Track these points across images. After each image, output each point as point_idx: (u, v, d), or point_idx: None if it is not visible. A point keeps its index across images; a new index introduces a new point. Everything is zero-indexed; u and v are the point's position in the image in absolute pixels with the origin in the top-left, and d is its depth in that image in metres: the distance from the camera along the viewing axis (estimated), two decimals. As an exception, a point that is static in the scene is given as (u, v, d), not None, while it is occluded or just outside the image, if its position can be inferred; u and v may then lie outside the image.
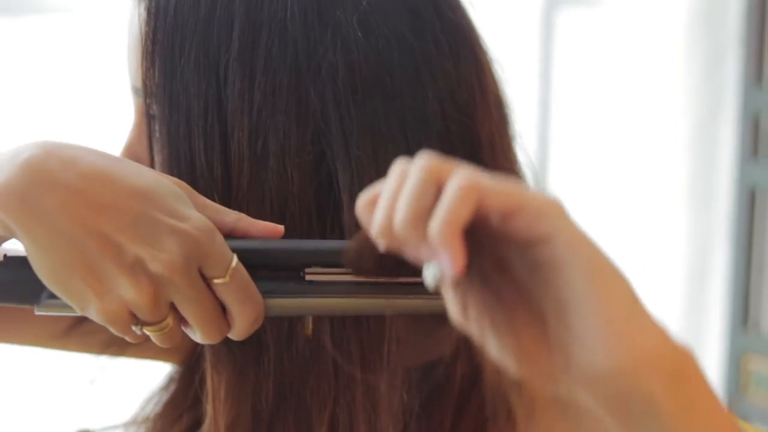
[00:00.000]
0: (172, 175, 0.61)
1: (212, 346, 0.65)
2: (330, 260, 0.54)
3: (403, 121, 0.60)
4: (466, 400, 0.66)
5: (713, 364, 2.18)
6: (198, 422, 0.71)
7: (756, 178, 2.11)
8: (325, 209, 0.58)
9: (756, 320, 2.18)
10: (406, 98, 0.60)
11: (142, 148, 0.66)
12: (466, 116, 0.63)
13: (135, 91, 0.66)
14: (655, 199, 2.12)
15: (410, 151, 0.57)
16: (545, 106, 2.02)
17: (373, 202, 0.43)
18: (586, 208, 1.89)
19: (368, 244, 0.44)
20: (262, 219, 0.59)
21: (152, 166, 0.63)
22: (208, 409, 0.67)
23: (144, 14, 0.63)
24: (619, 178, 2.05)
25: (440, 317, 0.47)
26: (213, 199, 0.60)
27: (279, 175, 0.59)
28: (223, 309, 0.56)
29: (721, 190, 2.15)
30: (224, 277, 0.54)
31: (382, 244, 0.42)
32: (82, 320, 0.78)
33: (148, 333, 0.55)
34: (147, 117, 0.64)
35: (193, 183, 0.60)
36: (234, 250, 0.54)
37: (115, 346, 0.78)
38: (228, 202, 0.60)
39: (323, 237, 0.58)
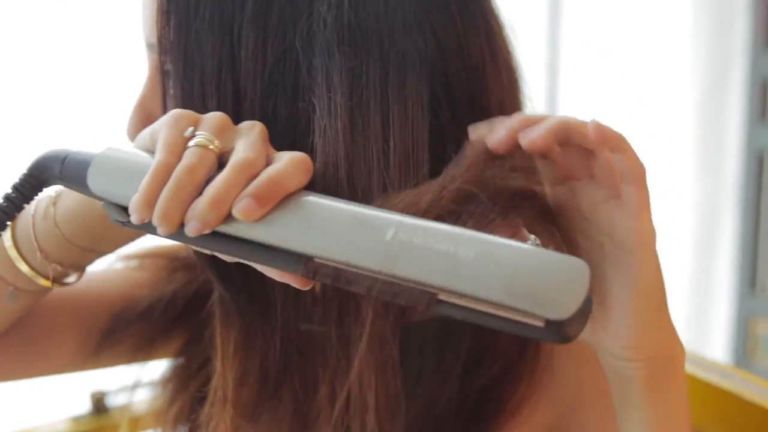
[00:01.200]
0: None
1: (222, 304, 0.66)
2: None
3: (391, 75, 0.59)
4: (479, 358, 0.67)
5: (721, 329, 2.19)
6: (208, 380, 0.72)
7: (764, 142, 2.11)
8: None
9: (764, 284, 2.18)
10: (400, 54, 0.59)
11: (155, 104, 0.67)
12: (475, 79, 0.64)
13: (149, 46, 0.67)
14: (663, 163, 2.12)
15: (396, 108, 0.58)
16: (553, 70, 2.02)
17: None
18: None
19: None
20: None
21: None
22: (218, 365, 0.68)
23: None
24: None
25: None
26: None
27: (288, 139, 0.59)
28: None
29: (730, 153, 2.15)
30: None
31: None
32: (110, 332, 0.80)
33: (198, 141, 0.53)
34: (161, 73, 0.63)
35: None
36: None
37: (143, 349, 0.80)
38: None
39: None
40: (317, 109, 0.58)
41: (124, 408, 0.96)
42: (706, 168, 2.14)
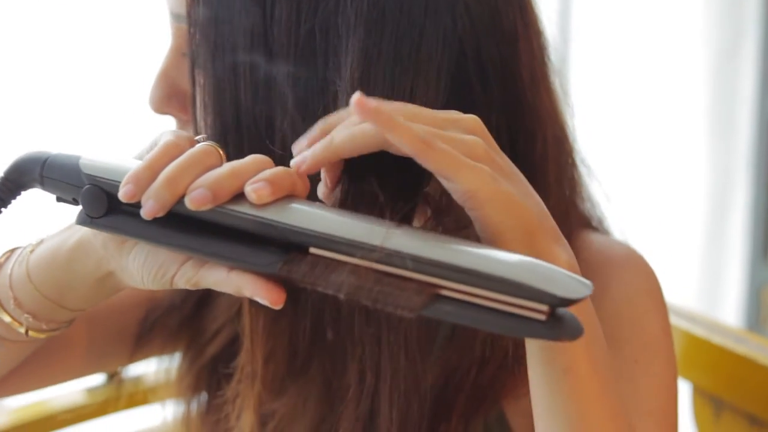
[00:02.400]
0: (215, 108, 0.61)
1: None
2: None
3: (403, 55, 0.59)
4: (491, 351, 0.68)
5: (733, 296, 2.19)
6: (233, 355, 0.73)
7: (777, 109, 2.10)
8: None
9: (776, 252, 2.19)
10: (417, 33, 0.59)
11: (179, 74, 0.67)
12: (508, 52, 0.64)
13: (175, 16, 0.66)
14: (675, 132, 2.12)
15: (412, 79, 0.59)
16: (564, 41, 2.01)
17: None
18: (606, 142, 1.88)
19: None
20: None
21: (193, 93, 0.63)
22: (246, 342, 0.68)
23: None
24: (639, 110, 2.04)
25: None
26: (255, 138, 0.61)
27: (320, 116, 0.58)
28: None
29: (742, 122, 2.14)
30: None
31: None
32: (141, 337, 0.81)
33: (208, 142, 0.54)
34: (189, 45, 0.63)
35: (237, 118, 0.61)
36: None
37: (170, 341, 0.81)
38: (271, 138, 0.60)
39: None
40: (337, 85, 0.59)
41: (139, 379, 0.96)
42: (719, 137, 2.14)
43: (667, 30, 2.08)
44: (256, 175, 0.51)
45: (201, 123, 0.63)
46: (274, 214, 0.50)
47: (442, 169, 0.48)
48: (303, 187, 0.52)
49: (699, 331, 0.90)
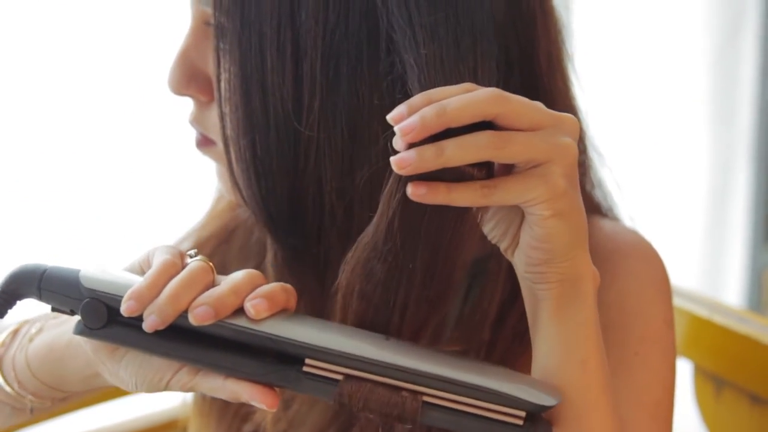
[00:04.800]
0: (241, 91, 0.61)
1: (276, 264, 0.67)
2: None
3: (466, 26, 0.59)
4: (506, 312, 0.69)
5: (735, 280, 2.20)
6: None
7: (778, 94, 2.11)
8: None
9: (778, 236, 2.19)
10: (471, 5, 0.59)
11: (198, 54, 0.66)
12: (526, 33, 0.64)
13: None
14: (676, 116, 2.12)
15: (474, 58, 0.59)
16: (566, 26, 2.01)
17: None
18: (607, 127, 1.89)
19: None
20: (330, 143, 0.60)
21: (218, 77, 0.63)
22: None
23: None
24: (640, 95, 2.05)
25: None
26: (282, 118, 0.60)
27: (350, 98, 0.59)
28: None
29: (743, 106, 2.14)
30: None
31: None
32: None
33: (201, 259, 0.57)
34: (215, 28, 0.63)
35: (264, 100, 0.61)
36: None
37: None
38: (299, 121, 0.60)
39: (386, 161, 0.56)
40: (397, 67, 0.58)
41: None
42: (720, 122, 2.14)
43: (668, 16, 2.08)
44: (252, 290, 0.55)
45: (226, 106, 0.63)
46: (270, 328, 0.54)
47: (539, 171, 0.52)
48: (295, 302, 0.56)
49: (701, 311, 0.91)
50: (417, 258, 0.55)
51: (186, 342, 0.55)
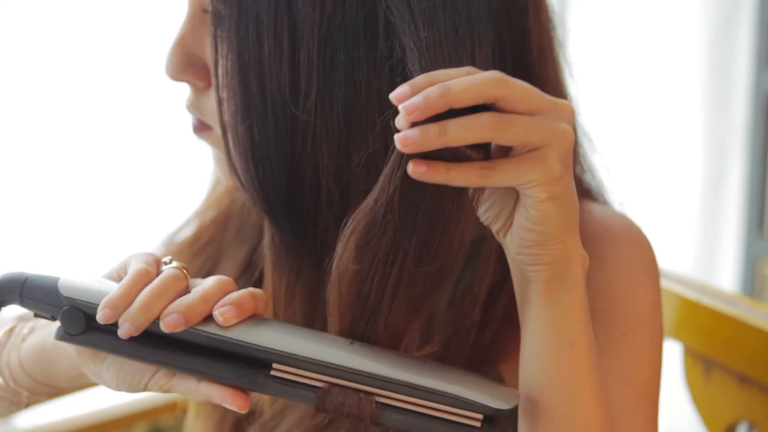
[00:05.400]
0: (239, 77, 0.62)
1: (273, 246, 0.69)
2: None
3: (463, 12, 0.60)
4: (498, 293, 0.71)
5: (729, 269, 2.21)
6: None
7: (772, 84, 2.11)
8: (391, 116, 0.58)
9: (771, 225, 2.20)
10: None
11: (195, 42, 0.68)
12: (518, 23, 0.65)
13: None
14: (671, 106, 2.13)
15: (471, 43, 0.60)
16: (561, 15, 2.02)
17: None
18: (601, 116, 1.90)
19: None
20: (327, 128, 0.61)
21: (215, 63, 0.64)
22: (268, 304, 0.70)
23: None
24: (635, 86, 2.06)
25: None
26: (279, 104, 0.61)
27: (347, 84, 0.60)
28: None
29: (737, 96, 2.15)
30: None
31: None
32: None
33: (175, 266, 0.60)
34: (212, 15, 0.64)
35: (261, 87, 0.62)
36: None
37: None
38: (296, 107, 0.61)
39: (386, 149, 0.57)
40: (396, 51, 0.59)
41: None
42: (714, 111, 2.15)
43: (663, 7, 2.09)
44: (222, 298, 0.57)
45: (223, 92, 0.64)
46: (238, 334, 0.57)
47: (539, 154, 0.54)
48: (264, 308, 0.59)
49: (691, 294, 0.92)
50: (414, 234, 0.57)
51: (160, 347, 0.58)
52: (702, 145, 2.17)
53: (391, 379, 0.55)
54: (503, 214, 0.58)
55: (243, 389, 0.58)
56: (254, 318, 0.58)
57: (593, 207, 0.76)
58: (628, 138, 2.03)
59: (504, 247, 0.60)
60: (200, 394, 0.58)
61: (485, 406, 0.55)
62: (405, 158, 0.53)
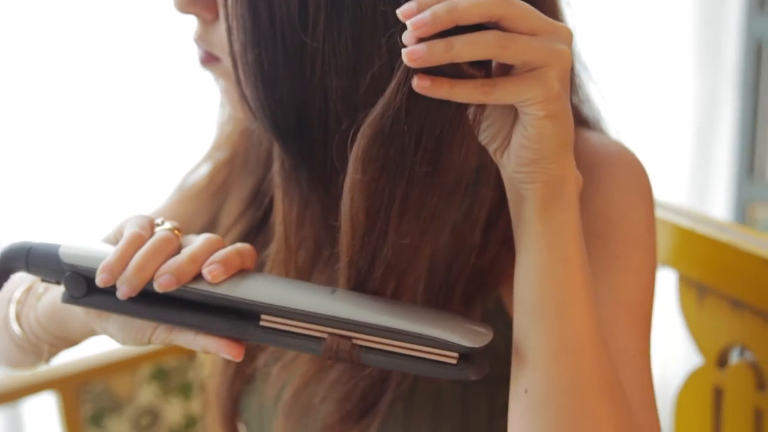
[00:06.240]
0: (248, 6, 0.63)
1: (283, 172, 0.70)
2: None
3: None
4: (496, 217, 0.73)
5: (721, 213, 2.23)
6: (264, 244, 0.78)
7: (763, 31, 2.12)
8: (397, 46, 0.58)
9: (761, 170, 2.22)
10: None
11: None
12: None
13: None
14: (662, 53, 2.13)
15: None
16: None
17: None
18: (593, 62, 1.91)
19: None
20: (335, 53, 0.62)
21: None
22: (279, 229, 0.72)
23: None
24: (626, 32, 2.06)
25: None
26: (288, 31, 0.62)
27: (354, 9, 0.61)
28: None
29: (729, 43, 2.16)
30: None
31: None
32: None
33: (167, 227, 0.64)
34: None
35: (271, 14, 0.63)
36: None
37: None
38: (305, 33, 0.62)
39: (391, 71, 0.58)
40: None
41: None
42: (706, 57, 2.16)
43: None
44: (210, 256, 0.61)
45: (233, 21, 0.65)
46: (227, 290, 0.61)
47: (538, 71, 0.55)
48: (252, 262, 0.63)
49: (684, 222, 0.94)
50: (419, 148, 0.58)
51: (158, 304, 0.62)
52: (693, 91, 2.18)
53: (370, 324, 0.59)
54: (501, 133, 0.60)
55: (237, 339, 0.62)
56: (242, 273, 0.63)
57: (589, 134, 0.78)
58: (618, 84, 2.03)
59: (500, 167, 0.61)
60: (199, 345, 0.62)
61: (460, 345, 0.59)
62: (410, 74, 0.55)
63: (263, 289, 0.61)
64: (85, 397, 1.30)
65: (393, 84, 0.57)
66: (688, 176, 2.22)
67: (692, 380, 0.97)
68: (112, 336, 0.67)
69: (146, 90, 1.59)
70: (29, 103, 1.53)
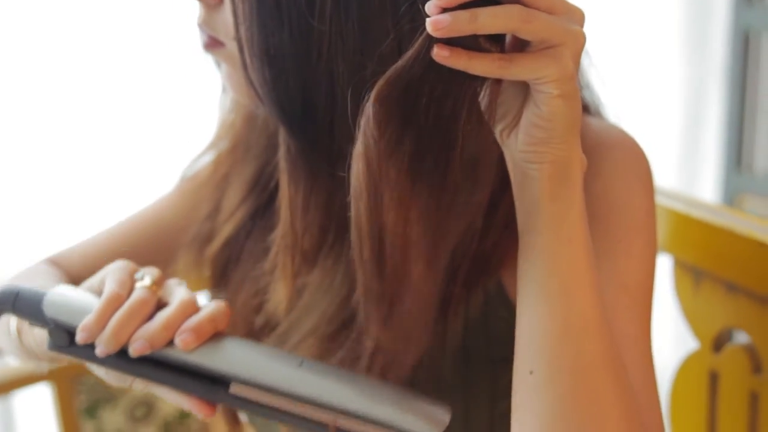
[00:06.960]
0: None
1: (288, 156, 0.70)
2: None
3: None
4: (498, 201, 0.73)
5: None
6: (269, 229, 0.78)
7: (750, 21, 2.13)
8: (405, 30, 0.59)
9: (749, 161, 2.23)
10: None
11: None
12: None
13: None
14: (650, 44, 2.14)
15: None
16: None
17: None
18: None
19: None
20: (342, 37, 0.62)
21: None
22: (284, 213, 0.73)
23: None
24: (614, 23, 2.06)
25: None
26: (295, 14, 0.62)
27: None
28: None
29: (716, 33, 2.16)
30: None
31: None
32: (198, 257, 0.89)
33: (145, 284, 0.67)
34: None
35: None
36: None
37: None
38: (312, 17, 0.62)
39: (399, 54, 0.59)
40: None
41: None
42: (693, 48, 2.16)
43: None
44: (184, 321, 0.64)
45: (239, 5, 0.65)
46: (198, 358, 0.64)
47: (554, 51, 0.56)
48: (224, 324, 0.65)
49: (679, 207, 0.95)
50: (428, 114, 0.59)
51: (135, 361, 0.65)
52: (680, 83, 2.19)
53: (330, 404, 0.62)
54: (510, 112, 0.60)
55: (208, 401, 0.65)
56: (216, 338, 0.65)
57: (590, 120, 0.79)
58: (606, 76, 2.03)
59: (505, 148, 0.62)
60: (174, 400, 0.66)
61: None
62: (429, 44, 0.56)
63: (233, 360, 0.64)
64: (80, 388, 1.30)
65: (412, 50, 0.57)
66: (676, 168, 2.23)
67: (688, 364, 0.98)
68: (98, 373, 0.71)
69: (145, 84, 1.59)
70: (25, 93, 1.52)
